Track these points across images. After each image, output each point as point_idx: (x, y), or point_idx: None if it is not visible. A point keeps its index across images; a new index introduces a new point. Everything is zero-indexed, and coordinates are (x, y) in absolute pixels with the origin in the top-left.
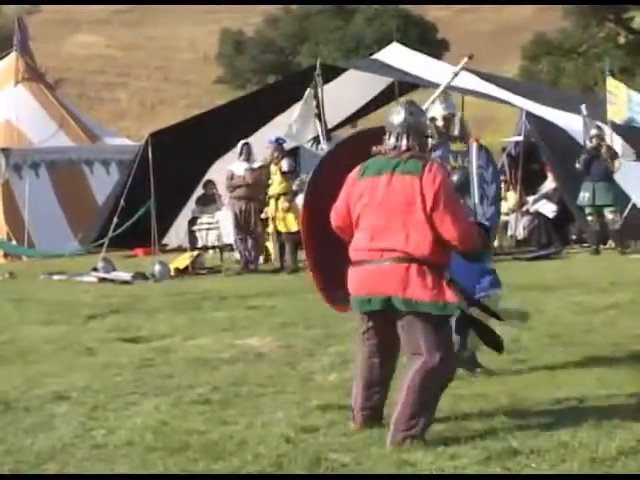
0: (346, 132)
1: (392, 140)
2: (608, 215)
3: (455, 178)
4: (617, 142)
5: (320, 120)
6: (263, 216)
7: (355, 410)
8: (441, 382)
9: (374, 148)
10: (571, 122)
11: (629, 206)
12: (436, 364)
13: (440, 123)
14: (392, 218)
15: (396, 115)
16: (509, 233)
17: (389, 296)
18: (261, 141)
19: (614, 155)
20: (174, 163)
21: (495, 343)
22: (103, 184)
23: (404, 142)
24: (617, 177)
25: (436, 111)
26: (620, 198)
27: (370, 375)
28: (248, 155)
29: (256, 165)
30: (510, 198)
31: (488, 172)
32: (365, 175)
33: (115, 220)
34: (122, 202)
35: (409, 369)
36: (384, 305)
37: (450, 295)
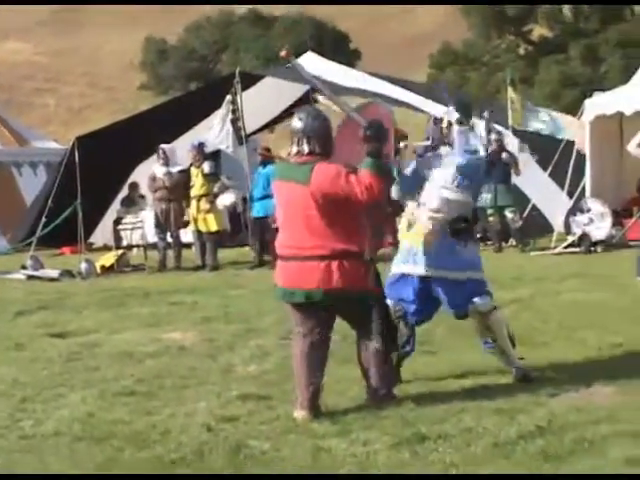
0: (264, 136)
1: (289, 146)
2: (508, 215)
3: (462, 161)
4: (514, 144)
5: (234, 126)
6: (187, 218)
7: (301, 399)
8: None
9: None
10: (476, 126)
11: (529, 207)
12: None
13: (444, 125)
14: (297, 221)
15: (292, 123)
16: None
17: (310, 290)
18: (184, 145)
19: (516, 158)
20: (100, 165)
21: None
22: (31, 185)
23: (295, 148)
24: (519, 180)
25: (445, 115)
26: (519, 199)
27: (310, 359)
28: (166, 159)
29: (175, 169)
30: None
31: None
32: (274, 179)
33: (43, 220)
34: (50, 203)
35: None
36: (307, 298)
37: (369, 284)
